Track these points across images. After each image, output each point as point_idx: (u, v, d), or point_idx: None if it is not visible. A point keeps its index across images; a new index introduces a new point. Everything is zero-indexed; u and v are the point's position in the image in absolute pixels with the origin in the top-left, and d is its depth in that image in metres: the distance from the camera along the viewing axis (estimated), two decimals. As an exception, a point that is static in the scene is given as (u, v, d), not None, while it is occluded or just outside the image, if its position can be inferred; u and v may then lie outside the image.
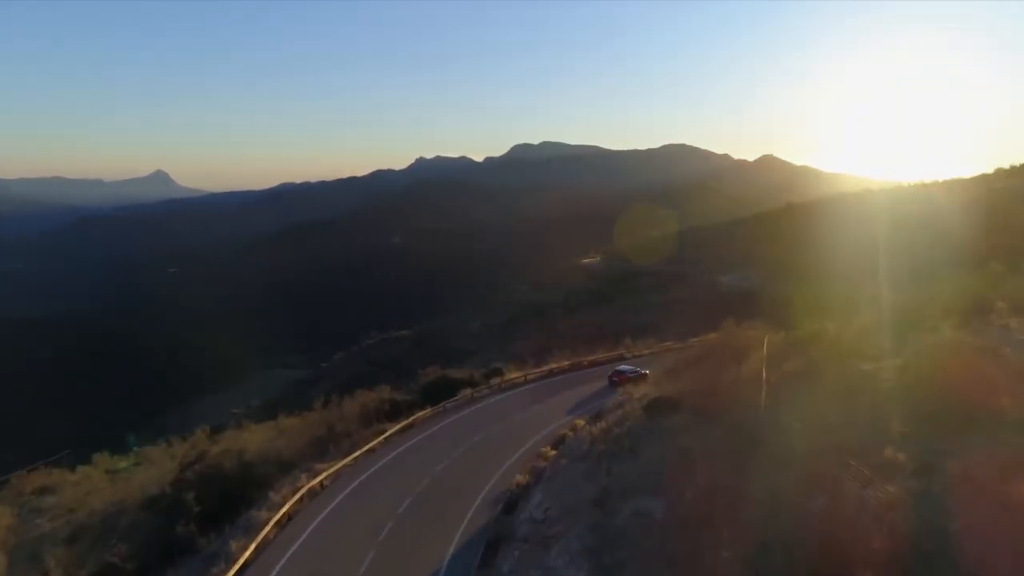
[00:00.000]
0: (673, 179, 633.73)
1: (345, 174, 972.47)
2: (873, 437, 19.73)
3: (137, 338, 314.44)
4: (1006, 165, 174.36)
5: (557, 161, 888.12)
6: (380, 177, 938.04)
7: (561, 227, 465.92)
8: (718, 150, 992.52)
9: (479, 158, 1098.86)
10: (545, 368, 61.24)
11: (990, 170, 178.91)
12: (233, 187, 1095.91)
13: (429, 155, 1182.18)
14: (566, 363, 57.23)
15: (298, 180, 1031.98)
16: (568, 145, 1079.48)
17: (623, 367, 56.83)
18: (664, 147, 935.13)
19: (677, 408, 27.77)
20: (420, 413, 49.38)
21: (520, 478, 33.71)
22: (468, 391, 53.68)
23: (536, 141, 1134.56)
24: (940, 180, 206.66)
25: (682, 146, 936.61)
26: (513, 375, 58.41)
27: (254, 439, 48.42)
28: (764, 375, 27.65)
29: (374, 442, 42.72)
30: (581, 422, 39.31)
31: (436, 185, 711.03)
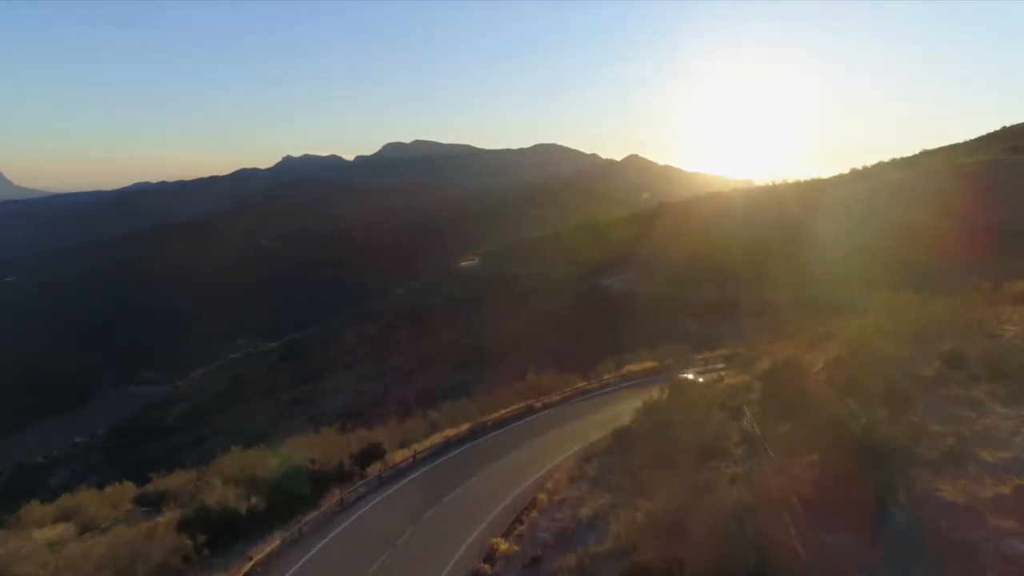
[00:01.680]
0: (545, 179, 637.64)
1: (205, 173, 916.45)
2: None
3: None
4: (859, 166, 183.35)
5: (430, 160, 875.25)
6: (244, 177, 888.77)
7: (436, 228, 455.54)
8: (587, 150, 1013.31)
9: (350, 157, 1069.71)
10: (440, 436, 38.76)
11: (846, 170, 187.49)
12: (80, 187, 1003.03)
13: (296, 154, 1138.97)
14: (465, 427, 33.16)
15: (153, 180, 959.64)
16: (441, 144, 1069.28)
17: None
18: (535, 147, 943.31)
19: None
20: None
21: None
22: (337, 497, 31.71)
23: (408, 140, 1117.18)
24: (794, 180, 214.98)
25: (552, 146, 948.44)
26: (398, 455, 35.34)
27: None
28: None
29: None
30: (502, 544, 24.58)
31: (305, 185, 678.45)
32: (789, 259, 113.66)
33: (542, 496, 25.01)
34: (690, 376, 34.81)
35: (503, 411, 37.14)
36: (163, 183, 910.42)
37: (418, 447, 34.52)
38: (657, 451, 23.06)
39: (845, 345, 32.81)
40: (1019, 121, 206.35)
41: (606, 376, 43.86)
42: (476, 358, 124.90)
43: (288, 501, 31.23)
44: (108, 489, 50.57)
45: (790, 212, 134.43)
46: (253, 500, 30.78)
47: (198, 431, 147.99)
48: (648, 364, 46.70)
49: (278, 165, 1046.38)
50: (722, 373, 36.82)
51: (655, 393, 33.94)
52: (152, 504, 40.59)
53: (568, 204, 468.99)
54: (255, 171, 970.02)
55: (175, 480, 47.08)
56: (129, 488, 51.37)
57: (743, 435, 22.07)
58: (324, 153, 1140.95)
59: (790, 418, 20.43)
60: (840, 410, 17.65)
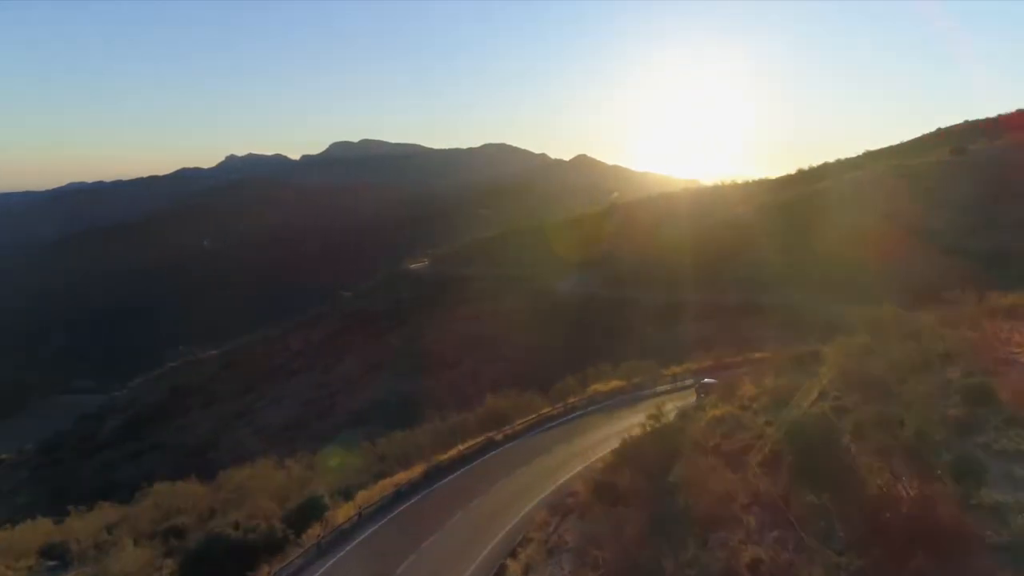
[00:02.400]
0: (494, 178, 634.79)
1: (144, 173, 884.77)
2: None
3: None
4: (806, 166, 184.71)
5: (378, 160, 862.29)
6: (186, 176, 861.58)
7: (385, 228, 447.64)
8: (536, 149, 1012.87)
9: (295, 156, 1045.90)
10: (390, 483, 31.43)
11: (792, 171, 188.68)
12: (11, 187, 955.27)
13: (240, 153, 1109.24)
14: (418, 470, 30.91)
15: (89, 179, 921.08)
16: (389, 143, 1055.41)
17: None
18: (484, 146, 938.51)
19: None
20: None
21: None
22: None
23: (355, 139, 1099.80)
24: (743, 181, 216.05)
25: (501, 145, 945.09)
26: (341, 513, 28.10)
27: None
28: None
29: None
30: None
31: (249, 185, 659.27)
32: (739, 261, 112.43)
33: (514, 569, 20.82)
34: (669, 407, 31.30)
35: (460, 446, 32.71)
36: (99, 183, 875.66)
37: (365, 498, 28.74)
38: (649, 514, 19.32)
39: (838, 370, 29.85)
40: (955, 122, 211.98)
41: (571, 399, 40.22)
42: (427, 364, 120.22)
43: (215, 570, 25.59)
44: (18, 530, 44.94)
45: (739, 214, 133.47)
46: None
47: (134, 445, 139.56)
48: (615, 383, 43.22)
49: (221, 164, 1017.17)
50: (703, 399, 33.36)
51: (636, 420, 30.23)
52: (59, 559, 35.20)
53: (518, 204, 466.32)
54: (197, 171, 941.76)
55: (90, 524, 41.61)
56: (43, 527, 45.77)
57: (752, 495, 18.44)
58: (269, 152, 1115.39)
59: (812, 479, 16.85)
60: (890, 483, 14.14)
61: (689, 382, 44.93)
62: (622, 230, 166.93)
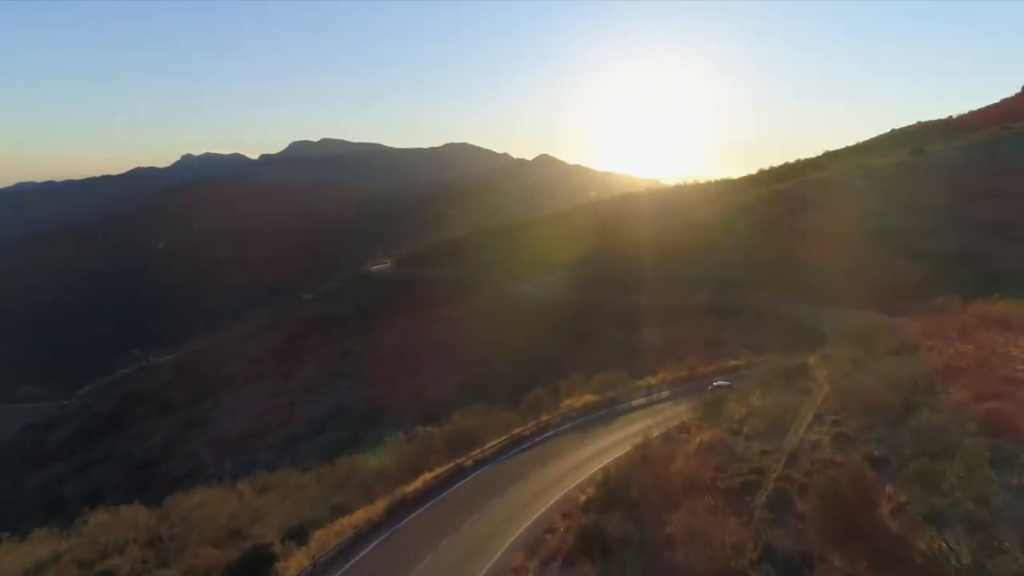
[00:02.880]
0: (456, 178, 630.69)
1: (97, 172, 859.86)
2: None
3: None
4: (767, 166, 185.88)
5: (338, 159, 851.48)
6: (140, 176, 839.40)
7: (347, 228, 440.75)
8: (498, 149, 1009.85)
9: (254, 155, 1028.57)
10: (349, 523, 27.34)
11: (754, 171, 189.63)
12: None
13: (197, 152, 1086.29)
14: (381, 505, 27.56)
15: (38, 179, 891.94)
16: (350, 143, 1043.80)
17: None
18: (446, 146, 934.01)
19: None
20: None
21: None
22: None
23: (316, 138, 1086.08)
24: (705, 181, 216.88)
25: (464, 145, 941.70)
26: (292, 564, 24.06)
27: None
28: None
29: None
30: None
31: (207, 184, 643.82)
32: (705, 263, 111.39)
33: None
34: (649, 426, 29.00)
35: (426, 474, 29.81)
36: (50, 183, 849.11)
37: (321, 541, 24.97)
38: (644, 569, 16.93)
39: (830, 386, 27.93)
40: (909, 123, 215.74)
41: (543, 416, 37.76)
42: (389, 370, 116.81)
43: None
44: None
45: (704, 215, 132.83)
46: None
47: (84, 457, 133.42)
48: (588, 397, 40.83)
49: (177, 164, 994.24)
50: (685, 420, 31.15)
51: (613, 439, 27.71)
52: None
53: (481, 204, 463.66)
54: (152, 170, 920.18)
55: (17, 561, 37.61)
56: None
57: (763, 548, 16.14)
58: (226, 151, 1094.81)
59: (843, 540, 14.59)
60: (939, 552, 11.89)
61: (666, 394, 42.86)
62: (587, 231, 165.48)
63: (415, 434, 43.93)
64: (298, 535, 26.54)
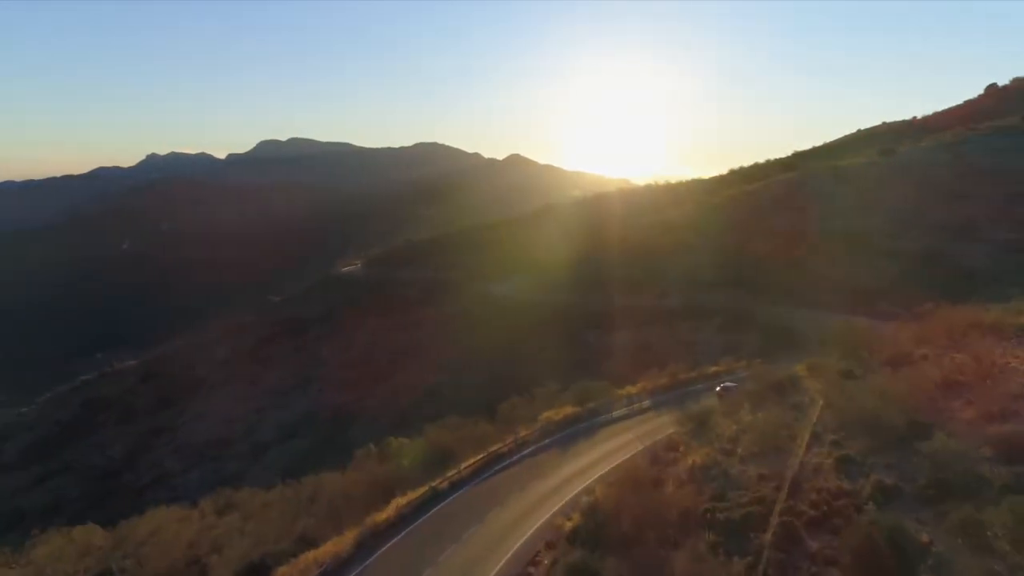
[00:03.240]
0: (427, 178, 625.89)
1: (59, 172, 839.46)
2: None
3: None
4: (736, 166, 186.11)
5: (308, 159, 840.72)
6: (104, 176, 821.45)
7: (316, 229, 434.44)
8: (469, 149, 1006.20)
9: (221, 155, 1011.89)
10: (313, 559, 24.64)
11: (724, 171, 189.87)
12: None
13: (162, 151, 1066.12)
14: (350, 536, 24.98)
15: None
16: (319, 142, 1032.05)
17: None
18: (417, 145, 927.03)
19: None
20: None
21: None
22: None
23: (284, 137, 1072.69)
24: (677, 181, 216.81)
25: (434, 144, 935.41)
26: None
27: None
28: None
29: None
30: None
31: (172, 184, 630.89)
32: (677, 263, 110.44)
33: None
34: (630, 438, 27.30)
35: (399, 499, 27.46)
36: (8, 183, 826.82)
37: None
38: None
39: (824, 400, 26.47)
40: (876, 123, 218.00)
41: (522, 431, 35.82)
42: (360, 375, 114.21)
43: None
44: None
45: (676, 216, 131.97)
46: None
47: (43, 467, 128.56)
48: (567, 409, 38.98)
49: (142, 163, 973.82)
50: (671, 434, 29.55)
51: (595, 455, 25.90)
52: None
53: (453, 203, 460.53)
54: (116, 170, 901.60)
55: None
56: None
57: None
58: (193, 151, 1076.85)
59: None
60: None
61: (647, 404, 41.25)
62: (560, 232, 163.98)
63: (387, 447, 41.72)
64: (259, 572, 24.34)
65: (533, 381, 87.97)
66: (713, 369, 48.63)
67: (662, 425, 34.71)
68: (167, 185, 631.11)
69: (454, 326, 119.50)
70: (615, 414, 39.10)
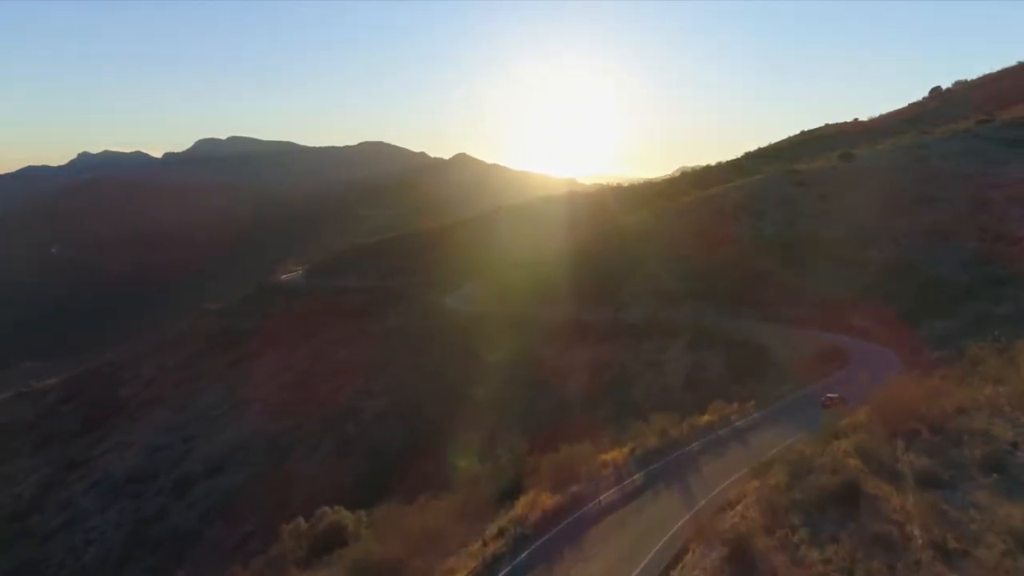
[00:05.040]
0: (372, 178, 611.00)
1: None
2: None
3: None
4: (683, 166, 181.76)
5: (248, 158, 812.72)
6: (32, 175, 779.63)
7: (256, 231, 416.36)
8: (415, 148, 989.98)
9: (157, 153, 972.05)
10: None
11: (673, 171, 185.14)
12: None
13: (95, 149, 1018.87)
14: None
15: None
16: (260, 141, 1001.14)
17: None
18: (362, 144, 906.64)
19: None
20: None
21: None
22: None
23: (224, 136, 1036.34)
24: (629, 184, 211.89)
25: (380, 143, 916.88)
26: None
27: None
28: None
29: None
30: None
31: (106, 184, 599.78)
32: (638, 273, 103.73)
33: None
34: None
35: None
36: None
37: None
38: None
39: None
40: (818, 124, 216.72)
41: (490, 528, 27.19)
42: (299, 397, 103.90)
43: None
44: None
45: (634, 222, 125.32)
46: None
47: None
48: (546, 500, 30.00)
49: (73, 162, 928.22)
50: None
51: None
52: None
53: (399, 204, 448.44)
54: (45, 168, 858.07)
55: None
56: None
57: None
58: (128, 149, 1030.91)
59: None
60: None
61: (639, 481, 32.60)
62: (511, 236, 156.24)
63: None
64: None
65: (487, 409, 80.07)
66: (706, 419, 40.84)
67: (668, 522, 26.49)
68: (100, 185, 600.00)
69: (401, 342, 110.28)
70: (603, 498, 30.66)
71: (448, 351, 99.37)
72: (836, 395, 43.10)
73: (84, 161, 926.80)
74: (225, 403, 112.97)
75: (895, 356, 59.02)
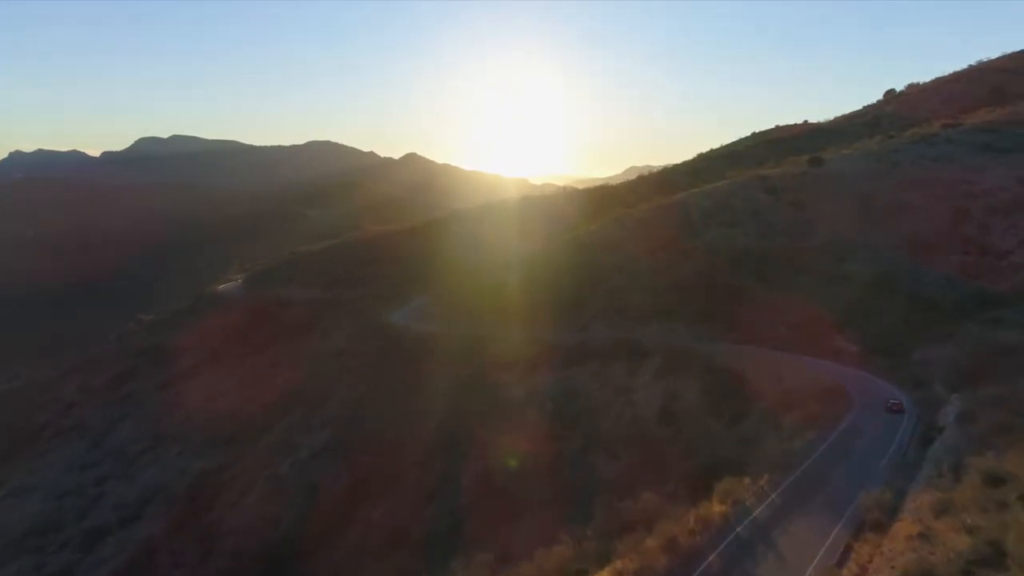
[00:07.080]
0: (319, 177, 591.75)
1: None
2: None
3: None
4: (638, 166, 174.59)
5: (191, 157, 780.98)
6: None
7: (198, 233, 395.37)
8: (364, 147, 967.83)
9: (95, 152, 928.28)
10: None
11: (634, 176, 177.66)
12: None
13: (28, 148, 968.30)
14: None
15: None
16: (203, 139, 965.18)
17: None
18: (309, 143, 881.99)
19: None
20: None
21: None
22: None
23: (165, 135, 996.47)
24: (584, 187, 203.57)
25: (327, 143, 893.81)
26: None
27: None
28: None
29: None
30: None
31: (39, 185, 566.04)
32: (602, 288, 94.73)
33: None
34: None
35: None
36: None
37: None
38: None
39: None
40: (768, 126, 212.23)
41: None
42: (230, 430, 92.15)
43: None
44: None
45: (596, 231, 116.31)
46: None
47: None
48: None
49: (4, 161, 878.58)
50: None
51: None
52: None
53: (347, 204, 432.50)
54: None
55: None
56: None
57: None
58: (63, 148, 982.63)
59: None
60: None
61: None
62: (464, 245, 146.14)
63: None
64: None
65: (446, 443, 70.24)
66: (717, 508, 31.95)
67: None
68: (32, 185, 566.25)
69: (345, 364, 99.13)
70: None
71: (396, 377, 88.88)
72: (898, 400, 46.12)
73: (16, 160, 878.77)
74: (147, 436, 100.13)
75: (898, 391, 51.47)
